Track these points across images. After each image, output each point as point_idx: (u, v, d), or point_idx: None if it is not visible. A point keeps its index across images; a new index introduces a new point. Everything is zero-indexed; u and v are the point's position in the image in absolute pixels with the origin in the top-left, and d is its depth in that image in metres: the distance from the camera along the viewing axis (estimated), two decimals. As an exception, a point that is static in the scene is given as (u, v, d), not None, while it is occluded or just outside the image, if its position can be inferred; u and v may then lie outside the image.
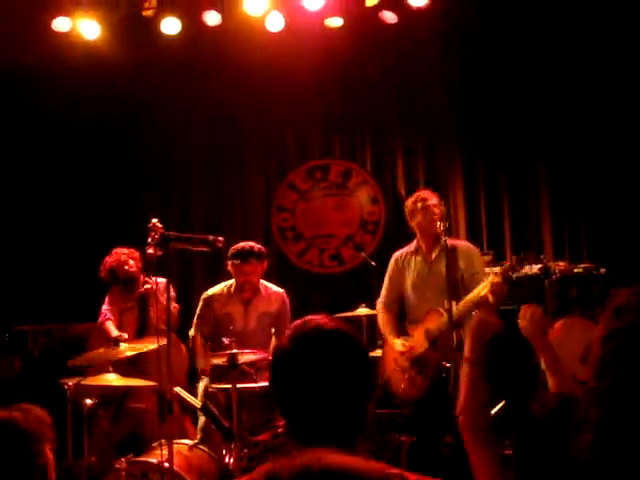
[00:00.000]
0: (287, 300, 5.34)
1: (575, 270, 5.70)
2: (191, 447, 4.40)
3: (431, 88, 6.96)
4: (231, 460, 4.14)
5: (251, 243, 5.19)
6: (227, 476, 4.16)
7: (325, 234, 7.36)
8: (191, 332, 5.27)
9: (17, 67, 6.44)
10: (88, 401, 4.45)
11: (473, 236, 6.75)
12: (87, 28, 6.30)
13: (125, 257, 5.45)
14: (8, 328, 6.42)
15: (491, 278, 4.46)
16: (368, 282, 5.34)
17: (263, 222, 7.38)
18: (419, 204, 4.93)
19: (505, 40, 6.74)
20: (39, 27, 6.26)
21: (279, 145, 7.43)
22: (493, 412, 1.85)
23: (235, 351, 4.29)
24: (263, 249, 5.21)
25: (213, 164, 7.43)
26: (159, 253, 4.22)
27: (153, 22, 6.41)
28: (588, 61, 6.51)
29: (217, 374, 4.90)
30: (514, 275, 4.53)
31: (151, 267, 4.79)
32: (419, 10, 6.27)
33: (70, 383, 4.37)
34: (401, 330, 4.99)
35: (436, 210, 4.86)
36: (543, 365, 2.33)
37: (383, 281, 5.19)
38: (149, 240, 4.24)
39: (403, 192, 7.02)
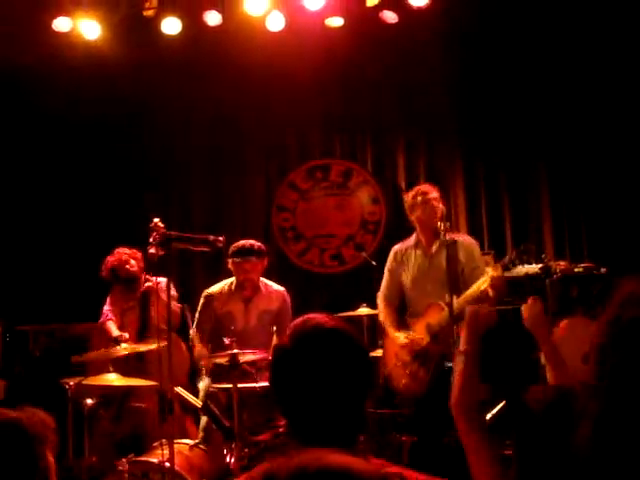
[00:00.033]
0: (288, 298, 5.34)
1: (576, 270, 5.69)
2: (192, 447, 4.41)
3: (432, 88, 6.96)
4: (232, 460, 4.13)
5: (251, 241, 5.19)
6: (228, 476, 4.16)
7: (326, 234, 7.36)
8: (192, 331, 5.27)
9: (17, 67, 6.44)
10: (89, 401, 4.46)
11: (474, 236, 6.72)
12: (87, 28, 6.30)
13: (127, 257, 5.45)
14: (9, 328, 6.42)
15: (491, 272, 4.48)
16: (369, 282, 5.34)
17: (263, 222, 7.38)
18: (419, 198, 4.92)
19: (506, 40, 6.74)
20: (39, 27, 6.26)
21: (279, 145, 7.42)
22: (494, 412, 1.85)
23: (236, 351, 4.29)
24: (263, 247, 5.21)
25: (213, 164, 7.43)
26: (161, 253, 4.22)
27: (154, 22, 6.41)
28: (588, 61, 6.51)
29: (218, 374, 4.90)
30: (514, 269, 4.54)
31: (153, 267, 4.79)
32: (420, 10, 6.27)
33: (71, 383, 4.37)
34: (402, 323, 4.99)
35: (436, 204, 4.86)
36: (543, 359, 2.34)
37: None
38: (151, 240, 4.24)
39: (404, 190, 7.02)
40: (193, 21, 6.37)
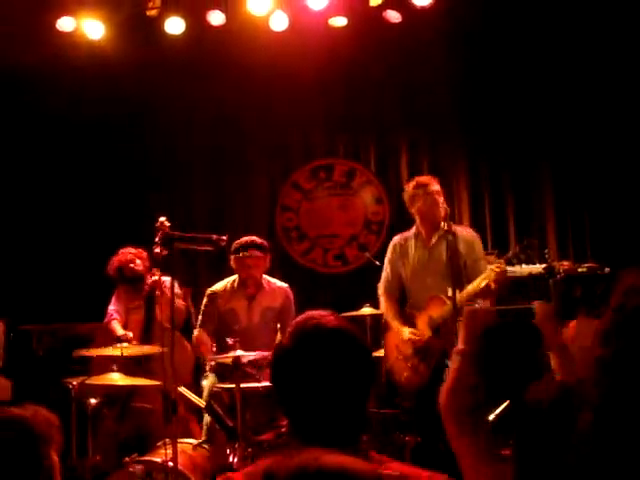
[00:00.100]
0: (291, 295, 5.33)
1: (579, 270, 5.69)
2: (195, 446, 4.41)
3: (435, 87, 6.95)
4: (235, 459, 4.14)
5: (253, 237, 5.20)
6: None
7: (329, 234, 7.36)
8: (195, 332, 5.26)
9: (21, 67, 6.44)
10: (92, 400, 4.46)
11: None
12: (91, 28, 6.31)
13: (132, 256, 5.47)
14: (13, 328, 6.43)
15: (494, 266, 4.49)
16: (372, 282, 5.33)
17: (267, 221, 7.38)
18: (420, 190, 4.92)
19: (509, 39, 6.73)
20: (43, 27, 6.27)
21: (283, 145, 7.42)
22: (497, 412, 1.83)
23: (239, 352, 4.29)
24: (265, 243, 5.21)
25: (215, 164, 7.42)
26: (165, 252, 4.23)
27: (157, 22, 6.42)
28: (593, 60, 6.51)
29: (221, 374, 4.90)
30: (518, 265, 4.54)
31: (158, 266, 4.80)
32: (423, 9, 6.27)
33: (75, 382, 4.38)
34: (403, 316, 4.97)
35: (437, 197, 4.86)
36: (553, 363, 2.33)
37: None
38: (156, 239, 4.25)
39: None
40: (196, 21, 6.38)
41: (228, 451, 4.27)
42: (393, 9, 6.40)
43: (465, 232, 5.01)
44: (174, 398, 4.14)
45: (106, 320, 5.55)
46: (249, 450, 4.12)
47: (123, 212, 7.05)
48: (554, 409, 1.60)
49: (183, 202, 7.41)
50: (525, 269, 5.23)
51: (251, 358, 4.42)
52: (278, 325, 5.20)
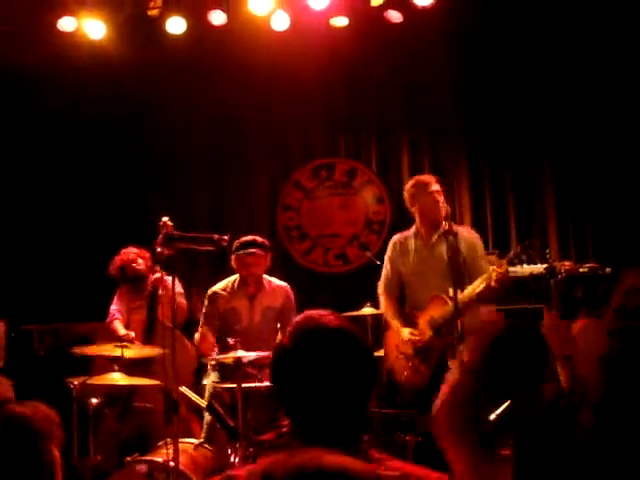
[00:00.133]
0: (291, 294, 5.32)
1: (580, 270, 5.69)
2: (196, 446, 4.41)
3: (436, 87, 6.95)
4: (236, 459, 4.14)
5: (254, 236, 5.20)
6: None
7: (330, 233, 7.36)
8: (196, 335, 5.27)
9: (22, 67, 6.44)
10: (94, 400, 4.47)
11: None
12: (92, 28, 6.31)
13: (134, 256, 5.48)
14: (14, 327, 6.43)
15: (496, 266, 4.49)
16: (373, 282, 5.33)
17: (268, 221, 7.38)
18: (421, 189, 4.92)
19: (511, 39, 6.73)
20: (44, 27, 6.27)
21: (284, 144, 7.42)
22: (498, 412, 1.82)
23: (240, 352, 4.29)
24: (266, 242, 5.21)
25: (216, 164, 7.43)
26: (169, 252, 4.23)
27: (158, 22, 6.42)
28: (594, 61, 6.50)
29: (222, 373, 4.91)
30: (519, 265, 4.54)
31: (161, 265, 4.80)
32: (424, 9, 6.27)
33: (76, 382, 4.39)
34: (403, 315, 4.97)
35: (438, 196, 4.86)
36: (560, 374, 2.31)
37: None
38: (159, 238, 4.25)
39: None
40: (198, 21, 6.38)
41: (229, 451, 4.28)
42: (394, 9, 6.40)
43: (466, 232, 5.01)
44: (175, 398, 4.14)
45: (108, 320, 5.55)
46: (250, 450, 4.12)
47: (123, 212, 7.05)
48: (552, 411, 1.60)
49: (183, 202, 7.41)
50: (526, 269, 5.24)
51: (252, 358, 4.42)
52: (279, 325, 5.20)
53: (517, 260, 4.57)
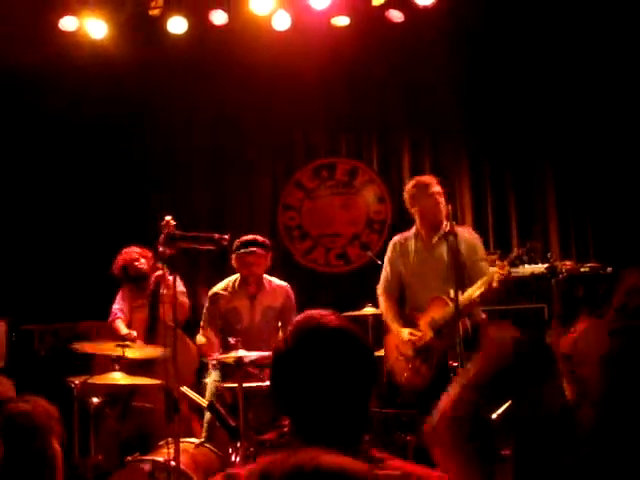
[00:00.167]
0: (292, 294, 5.33)
1: (582, 269, 5.69)
2: (197, 445, 4.41)
3: (437, 87, 6.95)
4: (237, 459, 4.14)
5: (255, 235, 5.20)
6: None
7: (331, 233, 7.36)
8: (198, 337, 5.27)
9: (24, 66, 6.45)
10: (95, 400, 4.47)
11: (480, 235, 6.74)
12: (94, 27, 6.32)
13: (137, 255, 5.49)
14: (15, 327, 6.43)
15: (498, 267, 4.49)
16: (374, 281, 5.33)
17: (269, 221, 7.38)
18: (421, 190, 4.90)
19: (511, 39, 6.73)
20: (46, 26, 6.28)
21: (285, 144, 7.42)
22: (499, 411, 1.82)
23: (241, 352, 4.29)
24: (267, 241, 5.21)
25: (216, 164, 7.43)
26: (170, 251, 4.23)
27: (159, 21, 6.43)
28: (595, 60, 6.50)
29: (224, 373, 4.91)
30: (520, 266, 4.54)
31: (164, 263, 4.80)
32: (425, 9, 6.27)
33: (77, 382, 4.38)
34: (403, 317, 4.96)
35: (439, 198, 4.85)
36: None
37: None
38: (160, 238, 4.25)
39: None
40: (199, 20, 6.39)
41: (230, 450, 4.28)
42: (395, 9, 6.40)
43: (467, 233, 4.99)
44: (176, 397, 4.14)
45: (110, 319, 5.56)
46: (251, 450, 4.12)
47: (124, 211, 7.06)
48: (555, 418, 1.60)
49: (184, 202, 7.40)
50: (527, 269, 5.23)
51: (253, 358, 4.42)
52: (279, 324, 5.20)
53: (519, 262, 4.56)
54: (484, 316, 4.91)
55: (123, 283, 5.61)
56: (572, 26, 6.51)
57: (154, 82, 7.08)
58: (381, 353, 5.13)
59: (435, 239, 4.89)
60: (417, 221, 5.01)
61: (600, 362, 1.58)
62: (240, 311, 5.21)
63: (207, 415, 4.85)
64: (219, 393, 4.79)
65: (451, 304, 4.50)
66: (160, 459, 4.10)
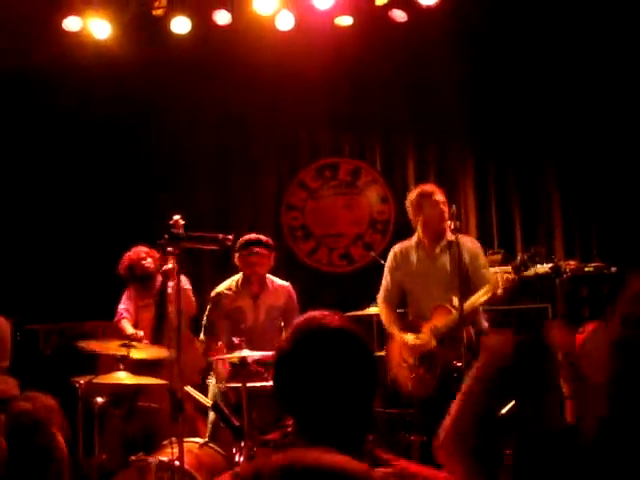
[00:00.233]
0: (293, 293, 5.34)
1: (586, 269, 5.68)
2: (202, 445, 4.42)
3: (441, 87, 6.94)
4: (241, 459, 4.14)
5: (259, 235, 5.20)
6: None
7: (335, 233, 7.36)
8: (201, 336, 5.27)
9: (28, 66, 6.46)
10: (99, 399, 4.47)
11: (484, 235, 6.75)
12: (97, 27, 6.33)
13: (144, 254, 5.50)
14: (19, 327, 6.44)
15: (502, 274, 4.48)
16: (378, 281, 5.33)
17: (273, 221, 7.38)
18: (425, 199, 4.88)
19: (515, 38, 6.72)
20: (50, 27, 6.29)
21: (288, 144, 7.43)
22: (502, 412, 1.81)
23: (245, 352, 4.30)
24: (270, 241, 5.22)
25: (221, 163, 7.44)
26: (178, 251, 4.23)
27: (163, 21, 6.43)
28: (599, 60, 6.49)
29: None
30: (525, 271, 4.53)
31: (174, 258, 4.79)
32: (429, 8, 6.26)
33: (81, 381, 4.39)
34: (406, 324, 4.96)
35: (444, 207, 4.83)
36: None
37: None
38: (166, 237, 4.25)
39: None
40: (202, 20, 6.39)
41: (234, 450, 4.28)
42: (399, 8, 6.39)
43: (469, 242, 4.98)
44: (181, 397, 4.14)
45: (116, 319, 5.56)
46: (255, 449, 4.13)
47: (130, 211, 7.07)
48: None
49: (188, 201, 7.40)
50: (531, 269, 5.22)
51: (257, 357, 4.43)
52: (282, 324, 5.21)
53: (523, 267, 4.55)
54: (487, 324, 4.91)
55: (129, 283, 5.62)
56: (577, 26, 6.50)
57: (158, 82, 7.08)
58: (382, 353, 5.12)
59: (438, 249, 4.88)
60: (419, 230, 4.96)
61: (606, 373, 1.57)
62: (244, 310, 5.21)
63: (211, 415, 4.85)
64: (223, 392, 4.80)
65: (454, 312, 4.50)
66: (164, 459, 4.11)
